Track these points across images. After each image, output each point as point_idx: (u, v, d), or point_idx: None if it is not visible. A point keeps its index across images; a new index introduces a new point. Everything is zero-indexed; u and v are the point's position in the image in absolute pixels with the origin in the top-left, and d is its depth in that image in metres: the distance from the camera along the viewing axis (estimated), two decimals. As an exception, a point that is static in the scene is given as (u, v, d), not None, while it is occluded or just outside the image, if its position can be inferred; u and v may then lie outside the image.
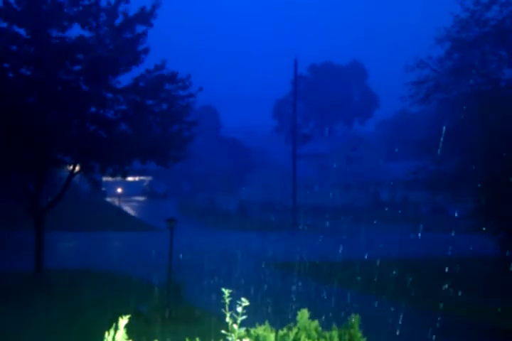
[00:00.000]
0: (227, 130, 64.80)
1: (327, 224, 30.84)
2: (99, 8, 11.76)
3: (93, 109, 12.37)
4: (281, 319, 3.57)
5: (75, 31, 11.77)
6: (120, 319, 2.64)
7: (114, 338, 2.62)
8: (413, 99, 19.43)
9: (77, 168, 12.97)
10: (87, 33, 11.83)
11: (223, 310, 2.75)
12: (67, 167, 13.20)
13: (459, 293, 9.86)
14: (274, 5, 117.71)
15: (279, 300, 9.55)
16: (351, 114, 66.51)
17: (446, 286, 10.12)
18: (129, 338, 2.72)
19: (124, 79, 12.34)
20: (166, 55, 12.99)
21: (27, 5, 11.12)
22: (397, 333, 7.30)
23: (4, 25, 11.20)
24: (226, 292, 2.76)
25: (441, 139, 17.87)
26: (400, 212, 37.50)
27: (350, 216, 31.14)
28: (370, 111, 66.66)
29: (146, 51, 12.21)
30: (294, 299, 8.64)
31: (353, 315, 3.08)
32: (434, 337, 7.18)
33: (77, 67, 11.69)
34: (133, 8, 12.04)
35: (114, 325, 2.64)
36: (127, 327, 2.73)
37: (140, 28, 12.05)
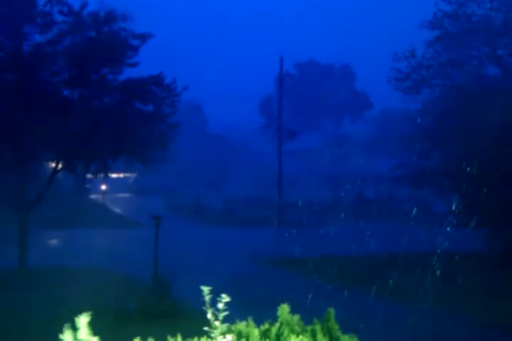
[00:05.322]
0: (214, 126, 64.48)
1: (313, 220, 30.95)
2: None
3: (76, 107, 12.25)
4: (260, 312, 3.59)
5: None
6: (81, 318, 2.57)
7: (76, 337, 2.56)
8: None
9: (60, 165, 12.86)
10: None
11: (204, 308, 2.77)
12: (51, 164, 13.08)
13: (445, 289, 10.00)
14: (261, 3, 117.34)
15: (260, 295, 9.61)
16: (338, 112, 66.70)
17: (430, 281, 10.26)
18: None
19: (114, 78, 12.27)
20: (150, 51, 12.90)
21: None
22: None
23: None
24: (206, 289, 2.78)
25: (425, 135, 18.07)
26: (384, 207, 37.81)
27: (335, 212, 31.29)
28: (357, 108, 66.90)
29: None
30: (275, 293, 8.69)
31: (328, 309, 3.10)
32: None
33: (58, 64, 11.55)
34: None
35: (70, 323, 2.57)
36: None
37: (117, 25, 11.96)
